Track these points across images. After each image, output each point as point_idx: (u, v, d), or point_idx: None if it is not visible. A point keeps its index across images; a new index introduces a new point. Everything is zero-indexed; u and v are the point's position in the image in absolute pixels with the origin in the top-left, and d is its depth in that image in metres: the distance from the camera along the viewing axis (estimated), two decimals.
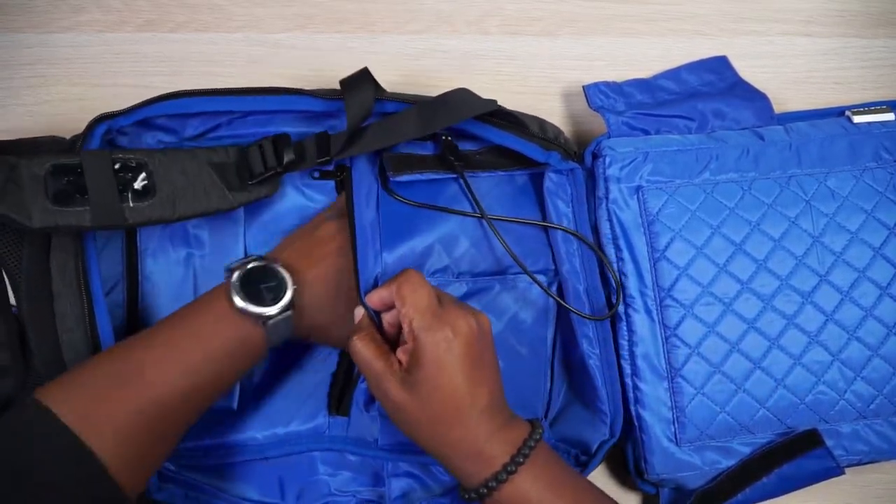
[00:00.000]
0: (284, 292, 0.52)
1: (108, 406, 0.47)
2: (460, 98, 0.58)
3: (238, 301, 0.50)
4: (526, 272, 0.59)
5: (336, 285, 0.55)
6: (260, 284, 0.52)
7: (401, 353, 0.51)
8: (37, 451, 0.44)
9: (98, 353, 0.51)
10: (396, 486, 0.61)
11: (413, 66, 0.69)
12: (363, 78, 0.57)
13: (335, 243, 0.56)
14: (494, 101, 0.58)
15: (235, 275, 0.52)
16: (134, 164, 0.55)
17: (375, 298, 0.53)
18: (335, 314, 0.56)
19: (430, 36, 0.70)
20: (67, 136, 0.58)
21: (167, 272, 0.60)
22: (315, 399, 0.61)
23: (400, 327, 0.52)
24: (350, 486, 0.61)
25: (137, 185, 0.55)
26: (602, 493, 0.53)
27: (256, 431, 0.60)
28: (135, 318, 0.60)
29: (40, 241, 0.55)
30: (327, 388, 0.62)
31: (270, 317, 0.51)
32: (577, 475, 0.53)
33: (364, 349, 0.51)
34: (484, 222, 0.61)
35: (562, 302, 0.61)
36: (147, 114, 0.57)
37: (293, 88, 0.58)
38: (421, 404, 0.49)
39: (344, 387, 0.62)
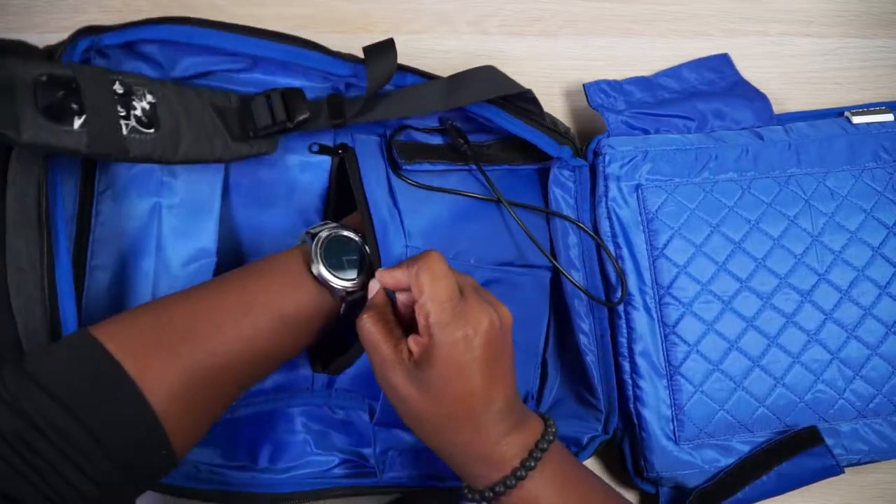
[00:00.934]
0: (366, 267, 0.48)
1: (171, 360, 0.43)
2: (489, 75, 0.55)
3: (323, 271, 0.47)
4: (550, 259, 0.59)
5: None
6: (342, 256, 0.48)
7: (413, 343, 0.46)
8: (89, 392, 0.41)
9: (164, 298, 0.47)
10: (384, 446, 0.56)
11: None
12: (388, 46, 0.53)
13: None
14: (528, 90, 0.56)
15: (319, 241, 0.48)
16: (138, 91, 0.47)
17: (389, 279, 0.48)
18: None
19: (430, 36, 0.70)
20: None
21: (127, 220, 0.52)
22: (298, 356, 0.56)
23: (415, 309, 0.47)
24: (334, 444, 0.56)
25: (139, 112, 0.47)
26: (613, 490, 0.51)
27: None
28: (80, 268, 0.51)
29: None
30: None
31: (351, 292, 0.48)
32: (589, 473, 0.50)
33: (373, 329, 0.46)
34: (495, 211, 0.60)
35: (578, 285, 0.59)
36: (141, 35, 0.49)
37: (311, 42, 0.53)
38: (429, 403, 0.45)
39: (331, 346, 0.56)
